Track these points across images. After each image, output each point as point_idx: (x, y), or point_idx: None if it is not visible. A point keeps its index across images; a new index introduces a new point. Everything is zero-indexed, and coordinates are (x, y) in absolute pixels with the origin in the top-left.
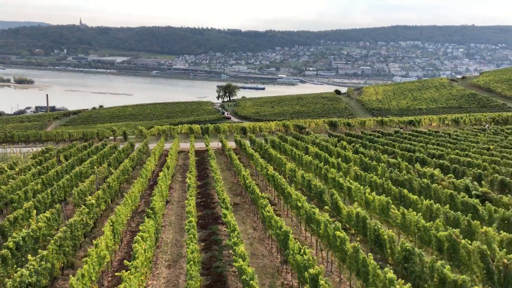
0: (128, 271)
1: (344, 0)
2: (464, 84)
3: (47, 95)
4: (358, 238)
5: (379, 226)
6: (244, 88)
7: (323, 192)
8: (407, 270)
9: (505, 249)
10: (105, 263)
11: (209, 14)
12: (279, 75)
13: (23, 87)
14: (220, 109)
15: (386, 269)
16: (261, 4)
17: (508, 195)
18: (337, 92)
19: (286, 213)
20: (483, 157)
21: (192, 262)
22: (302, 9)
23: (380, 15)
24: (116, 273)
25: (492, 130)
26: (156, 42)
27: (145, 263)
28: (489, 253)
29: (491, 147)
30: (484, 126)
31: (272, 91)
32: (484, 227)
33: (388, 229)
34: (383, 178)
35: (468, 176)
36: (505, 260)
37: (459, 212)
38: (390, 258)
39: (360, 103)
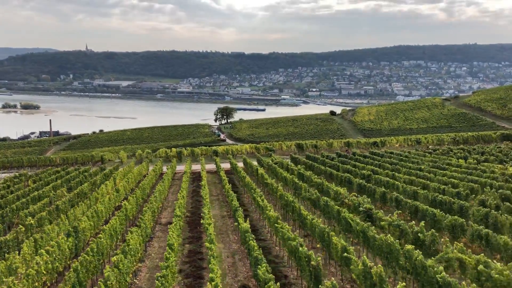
0: None
1: (347, 21)
2: (456, 104)
3: (50, 120)
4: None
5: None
6: (245, 109)
7: (237, 210)
8: None
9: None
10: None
11: (213, 37)
12: (282, 96)
13: (29, 112)
14: (216, 131)
15: None
16: (265, 27)
17: (398, 211)
18: (332, 113)
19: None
20: (404, 176)
21: None
22: (305, 30)
23: (383, 36)
24: None
25: (441, 150)
26: (160, 66)
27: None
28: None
29: (423, 167)
30: (428, 147)
31: (275, 112)
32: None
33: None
34: (299, 196)
35: (375, 195)
36: (313, 262)
37: (328, 226)
38: None
39: (352, 123)
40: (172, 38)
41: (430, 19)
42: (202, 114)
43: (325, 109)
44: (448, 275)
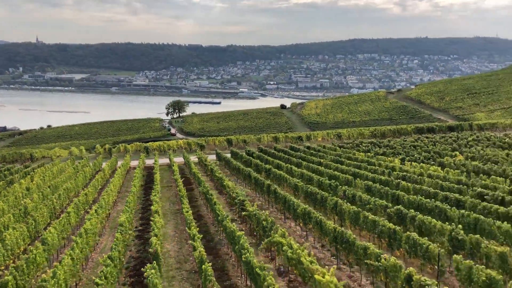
0: None
1: (304, 14)
2: (398, 97)
3: None
4: None
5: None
6: (200, 103)
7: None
8: None
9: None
10: None
11: (171, 29)
12: (241, 89)
13: None
14: (167, 126)
15: None
16: (223, 19)
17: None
18: (282, 106)
19: None
20: (299, 170)
21: None
22: (263, 23)
23: (339, 29)
24: None
25: (350, 144)
26: (116, 58)
27: None
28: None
29: (322, 160)
30: (332, 143)
31: (233, 105)
32: None
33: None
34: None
35: (263, 188)
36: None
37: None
38: None
39: (300, 117)
40: (128, 30)
41: (384, 12)
42: (159, 108)
43: (281, 102)
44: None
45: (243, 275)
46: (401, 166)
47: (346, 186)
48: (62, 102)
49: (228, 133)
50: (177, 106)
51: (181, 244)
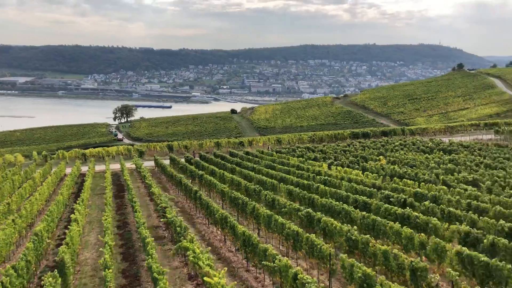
0: None
1: (257, 19)
2: (344, 102)
3: None
4: None
5: None
6: (150, 107)
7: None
8: None
9: None
10: None
11: (121, 32)
12: (193, 94)
13: None
14: (113, 131)
15: None
16: (175, 22)
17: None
18: (233, 111)
19: None
20: (229, 175)
21: None
22: (216, 27)
23: (291, 35)
24: None
25: (286, 150)
26: (63, 61)
27: None
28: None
29: (255, 166)
30: (269, 147)
31: (185, 109)
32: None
33: None
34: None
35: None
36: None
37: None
38: None
39: (250, 122)
40: (76, 32)
41: (335, 19)
42: (108, 112)
43: (235, 106)
44: None
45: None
46: (326, 170)
47: (269, 191)
48: (4, 106)
49: (177, 138)
50: (125, 111)
51: (100, 252)
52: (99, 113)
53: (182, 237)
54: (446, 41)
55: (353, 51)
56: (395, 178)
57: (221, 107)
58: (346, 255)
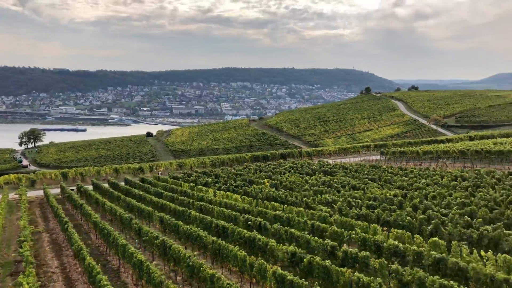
0: None
1: (179, 41)
2: (260, 124)
3: None
4: None
5: None
6: (63, 130)
7: None
8: None
9: None
10: None
11: (34, 52)
12: (111, 116)
13: None
14: (18, 157)
15: None
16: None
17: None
18: (148, 134)
19: None
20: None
21: None
22: (137, 48)
23: (214, 57)
24: None
25: (182, 175)
26: None
27: None
28: None
29: (142, 193)
30: (159, 173)
31: (102, 132)
32: None
33: None
34: None
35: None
36: None
37: None
38: None
39: (165, 145)
40: None
41: (256, 43)
42: (16, 137)
43: (154, 129)
44: None
45: None
46: (207, 196)
47: (143, 219)
48: None
49: (87, 163)
50: (33, 135)
51: None
52: (6, 137)
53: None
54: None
55: (273, 74)
56: (266, 201)
57: (141, 129)
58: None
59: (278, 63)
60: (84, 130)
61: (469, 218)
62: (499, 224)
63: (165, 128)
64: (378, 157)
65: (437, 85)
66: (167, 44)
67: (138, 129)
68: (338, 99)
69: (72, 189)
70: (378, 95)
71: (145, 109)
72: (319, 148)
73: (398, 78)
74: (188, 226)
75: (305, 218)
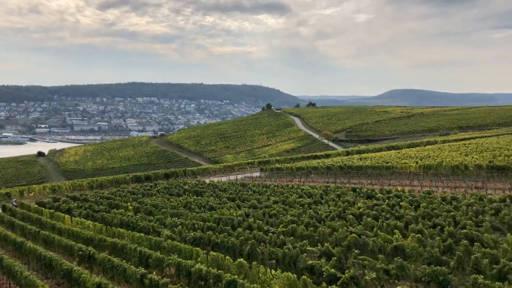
0: None
1: (82, 55)
2: (161, 141)
3: None
4: None
5: None
6: None
7: None
8: None
9: None
10: None
11: None
12: (4, 134)
13: None
14: None
15: None
16: None
17: None
18: (40, 153)
19: None
20: None
21: None
22: (34, 62)
23: (119, 72)
24: None
25: (47, 200)
26: None
27: None
28: None
29: None
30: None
31: None
32: None
33: None
34: None
35: None
36: None
37: None
38: None
39: (57, 165)
40: None
41: (164, 58)
42: None
43: (53, 147)
44: None
45: None
46: (58, 224)
47: None
48: None
49: None
50: None
51: None
52: None
53: None
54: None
55: (182, 89)
56: (116, 227)
57: (38, 148)
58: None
59: (186, 79)
60: None
61: (283, 237)
62: (305, 241)
63: (66, 146)
64: (259, 174)
65: (337, 101)
66: (69, 57)
67: (34, 148)
68: (246, 114)
69: None
70: (278, 111)
71: (43, 126)
72: (203, 167)
73: (303, 94)
74: (11, 260)
75: (135, 246)
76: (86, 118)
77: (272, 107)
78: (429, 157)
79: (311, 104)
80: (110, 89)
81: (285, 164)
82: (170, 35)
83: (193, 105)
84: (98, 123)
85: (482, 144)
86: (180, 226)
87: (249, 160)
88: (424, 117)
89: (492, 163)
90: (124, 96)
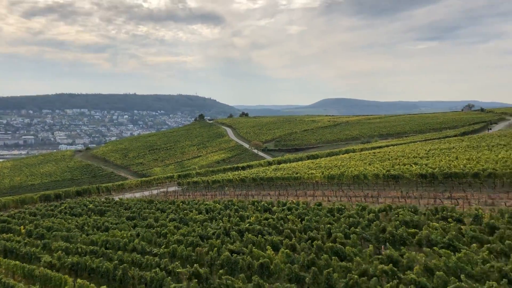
0: None
1: (4, 65)
2: (86, 155)
3: None
4: None
5: None
6: None
7: None
8: None
9: None
10: None
11: None
12: None
13: None
14: None
15: None
16: None
17: None
18: None
19: None
20: None
21: None
22: None
23: (47, 82)
24: None
25: None
26: None
27: None
28: None
29: None
30: None
31: None
32: None
33: None
34: None
35: None
36: None
37: None
38: None
39: None
40: None
41: (95, 68)
42: None
43: None
44: None
45: None
46: None
47: None
48: None
49: None
50: None
51: None
52: None
53: None
54: (203, 92)
55: (114, 100)
56: None
57: None
58: None
59: (119, 89)
60: None
61: (165, 259)
62: (177, 263)
63: None
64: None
65: (272, 110)
66: None
67: None
68: (182, 124)
69: None
70: (211, 122)
71: None
72: (118, 183)
73: (240, 104)
74: None
75: (1, 276)
76: (10, 132)
77: (205, 118)
78: (336, 166)
79: (244, 114)
80: (37, 100)
81: (202, 178)
82: (102, 45)
83: (126, 116)
84: (23, 136)
85: (389, 152)
86: (60, 252)
87: (168, 174)
88: (349, 126)
89: (388, 172)
90: (52, 108)
